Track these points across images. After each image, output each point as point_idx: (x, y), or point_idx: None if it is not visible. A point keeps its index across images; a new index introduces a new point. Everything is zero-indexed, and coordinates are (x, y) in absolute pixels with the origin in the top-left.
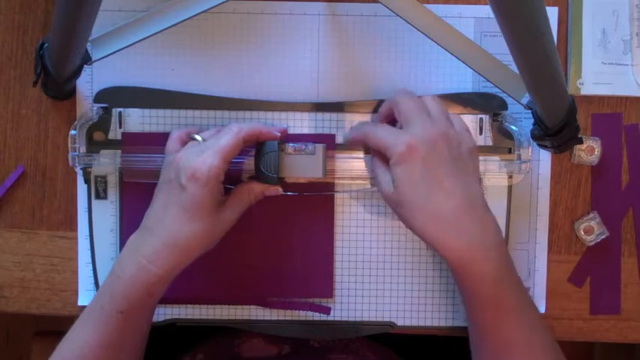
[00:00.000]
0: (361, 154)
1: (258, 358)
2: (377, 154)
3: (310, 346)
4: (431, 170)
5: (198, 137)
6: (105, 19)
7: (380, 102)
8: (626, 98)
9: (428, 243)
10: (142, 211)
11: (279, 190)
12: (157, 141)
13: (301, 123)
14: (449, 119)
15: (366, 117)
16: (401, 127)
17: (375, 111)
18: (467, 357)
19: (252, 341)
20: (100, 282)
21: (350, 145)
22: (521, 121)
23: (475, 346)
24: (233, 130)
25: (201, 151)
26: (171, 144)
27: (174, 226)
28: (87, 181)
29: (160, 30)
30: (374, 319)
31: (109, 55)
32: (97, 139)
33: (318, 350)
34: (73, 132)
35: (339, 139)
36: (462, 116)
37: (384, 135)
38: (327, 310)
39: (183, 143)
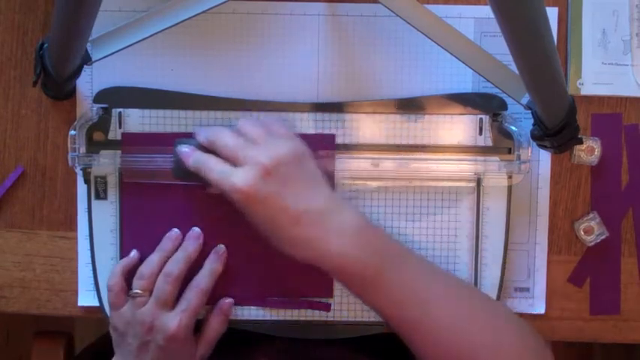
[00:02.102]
0: (362, 155)
1: None
2: None
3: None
4: (272, 206)
5: (140, 291)
6: (105, 19)
7: (382, 102)
8: (626, 98)
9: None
10: (142, 211)
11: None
12: (156, 141)
13: (301, 123)
14: (267, 134)
15: (366, 117)
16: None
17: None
18: None
19: None
20: (100, 283)
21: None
22: (521, 121)
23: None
24: (200, 288)
25: (168, 313)
26: (116, 298)
27: None
28: (87, 181)
29: (160, 30)
30: (374, 319)
31: (109, 55)
32: (97, 139)
33: None
34: (72, 132)
35: (340, 139)
36: (461, 116)
37: (218, 177)
38: (327, 307)
39: (126, 292)
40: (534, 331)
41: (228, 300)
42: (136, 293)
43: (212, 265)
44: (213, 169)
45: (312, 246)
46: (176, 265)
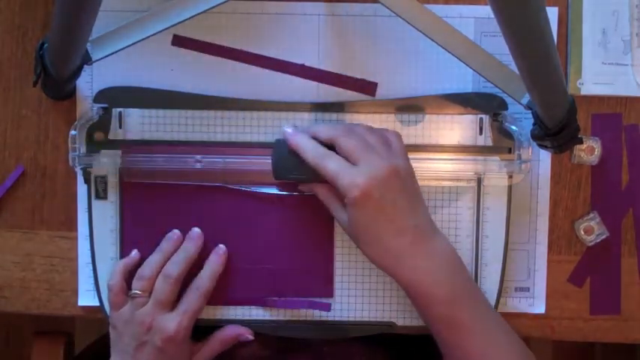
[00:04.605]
0: None
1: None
2: (328, 185)
3: None
4: (383, 211)
5: (139, 292)
6: (105, 19)
7: (382, 102)
8: (626, 98)
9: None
10: (142, 211)
11: (249, 336)
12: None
13: (301, 123)
14: (390, 146)
15: (366, 117)
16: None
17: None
18: None
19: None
20: (100, 282)
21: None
22: (521, 121)
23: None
24: (200, 291)
25: (168, 314)
26: (116, 298)
27: None
28: (87, 181)
29: (160, 30)
30: (374, 319)
31: (109, 55)
32: (97, 139)
33: None
34: (73, 132)
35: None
36: (461, 116)
37: (337, 170)
38: (326, 307)
39: (126, 292)
40: None
41: (244, 332)
42: (136, 294)
43: (212, 267)
44: (333, 163)
45: (404, 261)
46: (176, 266)
